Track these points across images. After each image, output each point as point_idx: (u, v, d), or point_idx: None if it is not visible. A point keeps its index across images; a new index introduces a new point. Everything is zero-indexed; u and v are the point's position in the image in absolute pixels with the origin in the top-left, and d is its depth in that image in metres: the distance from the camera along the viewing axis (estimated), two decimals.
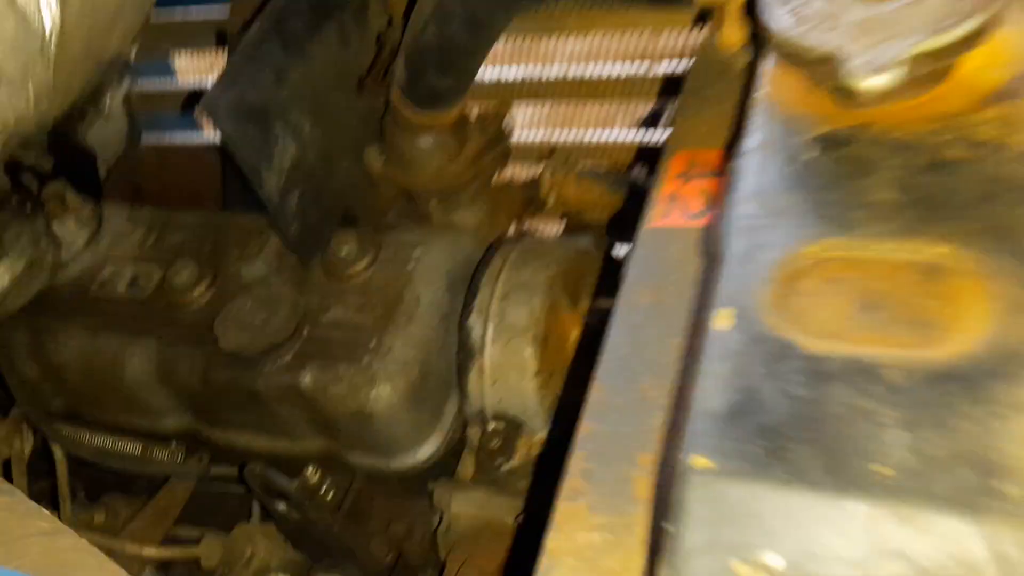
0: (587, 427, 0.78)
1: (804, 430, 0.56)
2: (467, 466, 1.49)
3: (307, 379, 1.46)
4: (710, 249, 0.74)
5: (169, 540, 1.56)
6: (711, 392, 0.60)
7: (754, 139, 0.76)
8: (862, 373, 0.57)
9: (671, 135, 0.99)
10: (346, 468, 1.56)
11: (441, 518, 1.43)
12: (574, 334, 1.51)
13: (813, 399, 0.57)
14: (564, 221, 1.73)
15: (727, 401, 0.59)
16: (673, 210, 0.91)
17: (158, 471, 1.49)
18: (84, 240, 1.77)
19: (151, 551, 1.35)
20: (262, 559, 1.46)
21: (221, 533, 1.50)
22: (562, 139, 2.01)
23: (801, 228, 0.67)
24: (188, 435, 1.66)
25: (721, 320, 0.63)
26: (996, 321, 0.58)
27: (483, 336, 1.45)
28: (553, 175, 1.74)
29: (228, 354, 1.48)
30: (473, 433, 1.49)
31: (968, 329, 0.58)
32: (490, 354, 1.44)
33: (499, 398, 1.45)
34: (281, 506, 1.33)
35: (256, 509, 1.56)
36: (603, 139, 1.97)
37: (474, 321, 1.47)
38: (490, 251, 1.56)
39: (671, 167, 0.95)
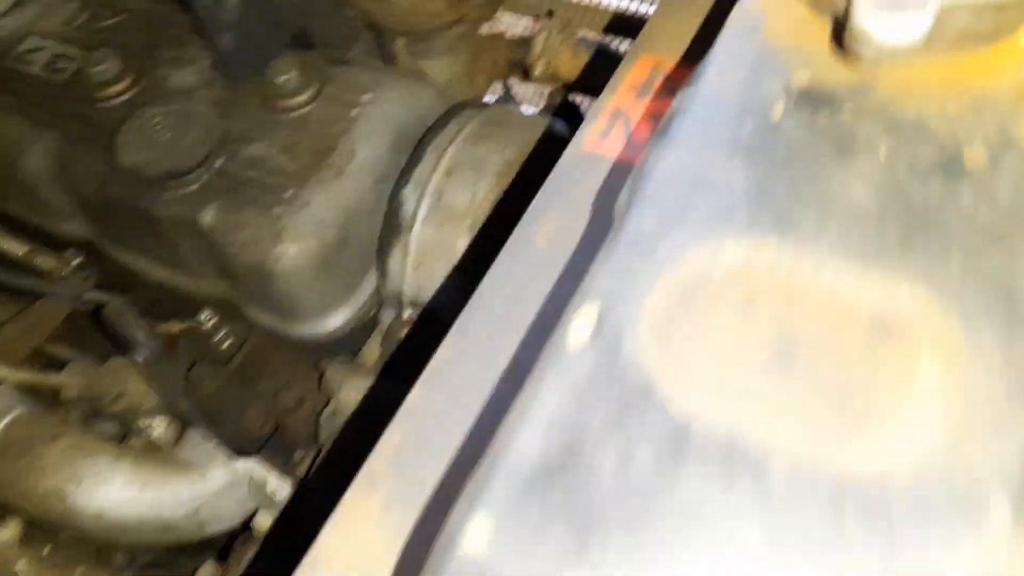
0: (418, 396, 0.60)
1: (632, 523, 0.39)
2: (372, 350, 1.34)
3: (207, 217, 1.28)
4: (615, 209, 0.54)
5: (33, 361, 1.43)
6: (528, 431, 0.42)
7: (714, 69, 0.54)
8: (738, 464, 0.39)
9: (642, 32, 0.77)
10: (244, 321, 1.40)
11: (328, 401, 1.29)
12: None
13: (657, 480, 0.40)
14: (548, 93, 1.50)
15: (544, 451, 0.41)
16: (613, 132, 0.70)
17: (35, 287, 1.34)
18: (7, 2, 1.55)
19: (2, 369, 1.22)
20: (132, 400, 1.33)
21: (93, 363, 1.36)
22: None
23: (731, 217, 0.47)
24: (85, 246, 1.50)
25: (577, 326, 0.45)
26: (950, 424, 0.39)
27: (415, 213, 1.26)
28: (548, 39, 1.49)
29: (127, 169, 1.29)
30: (386, 317, 1.33)
31: (910, 427, 0.40)
32: (418, 235, 1.26)
33: (420, 286, 1.27)
34: (139, 357, 1.19)
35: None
36: (613, 3, 1.70)
37: (408, 193, 1.27)
38: (449, 114, 1.34)
39: (628, 74, 0.73)
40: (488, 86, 1.58)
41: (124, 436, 1.40)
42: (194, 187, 1.30)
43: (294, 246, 1.25)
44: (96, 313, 1.38)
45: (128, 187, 1.32)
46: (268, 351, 1.42)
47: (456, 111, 1.33)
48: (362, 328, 1.37)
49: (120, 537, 1.33)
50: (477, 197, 1.25)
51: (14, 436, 1.33)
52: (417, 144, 1.31)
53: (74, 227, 1.50)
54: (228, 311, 1.41)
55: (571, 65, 1.50)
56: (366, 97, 1.35)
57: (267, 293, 1.32)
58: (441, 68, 1.49)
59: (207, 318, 1.39)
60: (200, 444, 1.37)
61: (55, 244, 1.52)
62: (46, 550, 1.40)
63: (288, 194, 1.27)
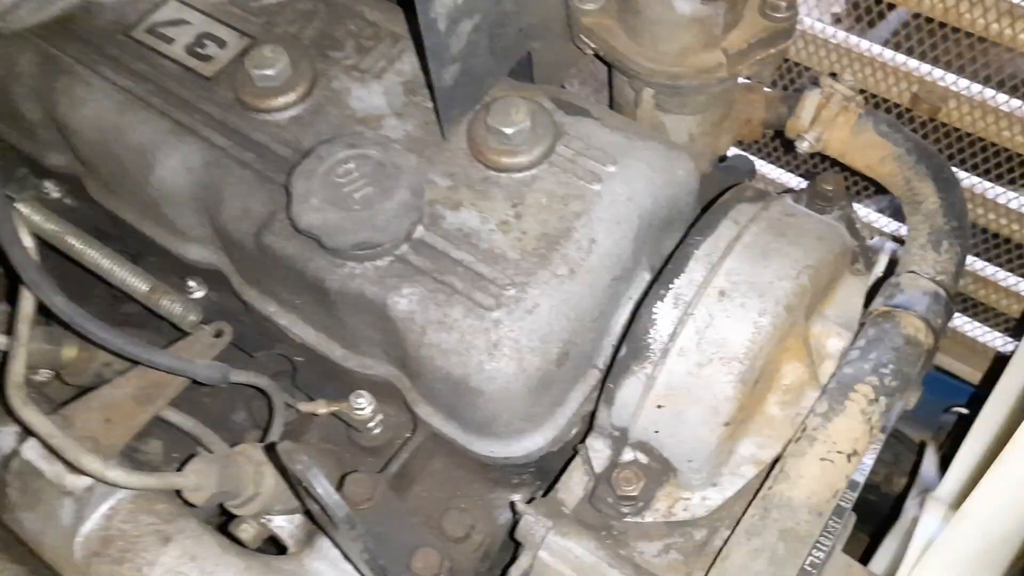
0: None
1: None
2: (572, 486, 1.06)
3: (401, 304, 0.99)
4: None
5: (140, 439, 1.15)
6: None
7: None
8: None
9: None
10: (406, 412, 1.12)
11: (518, 551, 1.01)
12: (793, 371, 1.02)
13: None
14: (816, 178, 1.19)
15: None
16: None
17: (174, 368, 1.04)
18: None
19: (115, 473, 0.94)
20: (266, 500, 1.06)
21: (215, 446, 1.08)
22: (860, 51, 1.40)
23: None
24: (215, 276, 1.21)
25: None
26: None
27: (671, 338, 0.97)
28: (823, 104, 1.18)
29: (303, 228, 0.99)
30: (597, 448, 1.05)
31: None
32: (671, 368, 0.97)
33: (659, 428, 0.99)
34: (314, 507, 0.91)
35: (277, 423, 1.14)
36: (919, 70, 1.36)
37: (665, 312, 0.98)
38: (722, 209, 1.03)
39: None
40: (730, 145, 1.26)
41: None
42: (386, 262, 1.01)
43: (513, 365, 0.97)
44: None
45: (298, 247, 1.03)
46: (431, 455, 1.14)
47: (730, 204, 1.03)
48: (557, 452, 1.09)
49: None
50: (761, 335, 0.95)
51: (114, 531, 1.06)
52: (681, 242, 1.01)
53: (203, 254, 1.20)
54: (387, 394, 1.13)
55: (850, 143, 1.18)
56: (611, 169, 1.05)
57: (459, 405, 1.03)
58: (687, 125, 1.17)
59: (364, 404, 1.11)
60: (333, 550, 1.10)
61: (174, 263, 1.23)
62: None
63: (510, 293, 0.98)
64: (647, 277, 1.09)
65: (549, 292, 0.98)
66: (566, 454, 1.11)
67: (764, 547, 0.92)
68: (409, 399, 1.10)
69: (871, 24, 1.44)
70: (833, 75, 1.18)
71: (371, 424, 1.14)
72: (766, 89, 1.23)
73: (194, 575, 1.04)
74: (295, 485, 0.89)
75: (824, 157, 1.26)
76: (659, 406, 0.98)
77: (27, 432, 1.10)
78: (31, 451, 1.08)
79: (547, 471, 1.12)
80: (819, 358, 1.07)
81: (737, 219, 1.01)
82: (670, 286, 0.99)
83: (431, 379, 1.02)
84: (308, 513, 1.12)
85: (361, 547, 0.85)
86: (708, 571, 0.94)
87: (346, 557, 1.05)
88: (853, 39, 1.41)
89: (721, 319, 0.96)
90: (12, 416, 1.00)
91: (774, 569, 0.91)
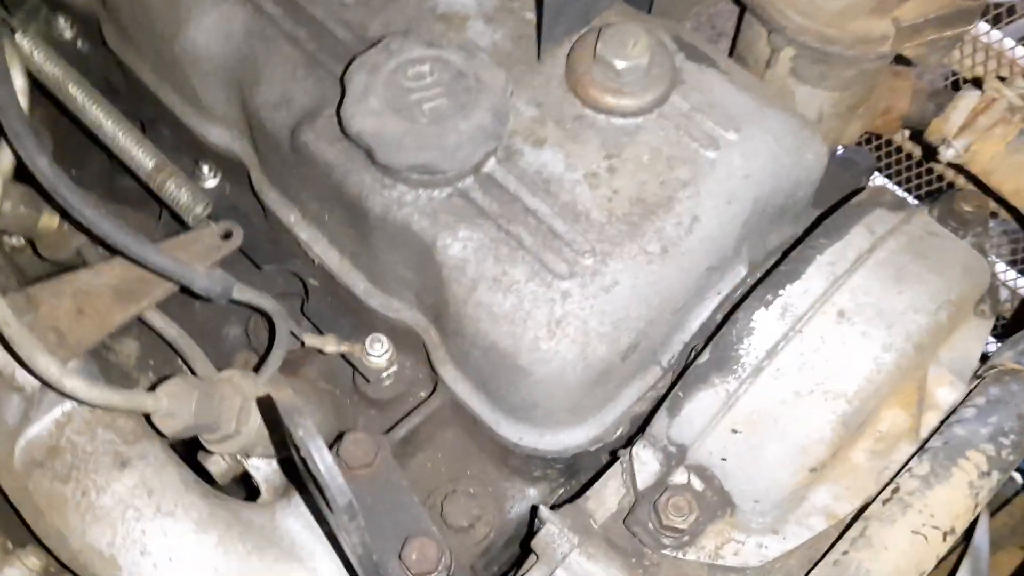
0: None
1: None
2: (605, 497, 0.89)
3: (454, 250, 0.81)
4: None
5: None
6: None
7: None
8: None
9: None
10: (431, 371, 0.95)
11: (527, 555, 0.85)
12: (893, 417, 0.85)
13: None
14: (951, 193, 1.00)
15: None
16: None
17: (173, 273, 0.85)
18: None
19: (72, 382, 0.76)
20: (245, 440, 0.90)
21: (199, 365, 0.91)
22: None
23: None
24: (233, 166, 1.03)
25: None
26: None
27: (768, 355, 0.80)
28: (982, 110, 0.99)
29: (353, 133, 0.81)
30: (645, 461, 0.88)
31: None
32: (761, 390, 0.80)
33: (728, 456, 0.82)
34: (306, 477, 0.74)
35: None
36: None
37: (766, 322, 0.80)
38: (855, 212, 0.85)
39: None
40: (857, 136, 1.07)
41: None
42: (445, 194, 0.82)
43: (575, 349, 0.79)
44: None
45: (342, 154, 0.84)
46: (446, 424, 0.97)
47: (866, 208, 0.84)
48: (594, 454, 0.93)
49: None
50: (879, 373, 0.78)
51: (64, 443, 0.89)
52: (798, 244, 0.83)
53: (225, 138, 1.02)
54: (408, 344, 0.96)
55: (998, 162, 1.00)
56: (731, 136, 0.86)
57: (496, 380, 0.86)
58: (820, 101, 0.98)
59: (381, 350, 0.94)
60: (305, 517, 0.94)
61: (189, 141, 1.04)
62: None
63: (587, 262, 0.80)
64: (743, 272, 0.91)
65: (633, 270, 0.81)
66: (602, 456, 0.95)
67: None
68: (434, 357, 0.93)
69: None
70: (1002, 79, 0.99)
71: (384, 375, 0.98)
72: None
73: (148, 512, 0.88)
74: (288, 447, 0.72)
75: None
76: (734, 431, 0.82)
77: None
78: None
79: (576, 470, 0.96)
80: (923, 407, 0.90)
81: (872, 228, 0.83)
82: (780, 293, 0.81)
83: (470, 343, 0.85)
84: (286, 462, 0.96)
85: (356, 540, 0.69)
86: None
87: (327, 534, 0.89)
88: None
89: (835, 345, 0.79)
90: None
91: None
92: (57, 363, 0.76)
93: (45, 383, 0.76)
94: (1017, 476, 1.61)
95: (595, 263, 0.80)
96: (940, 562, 0.96)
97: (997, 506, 1.51)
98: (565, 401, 0.85)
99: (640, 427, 0.91)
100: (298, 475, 1.02)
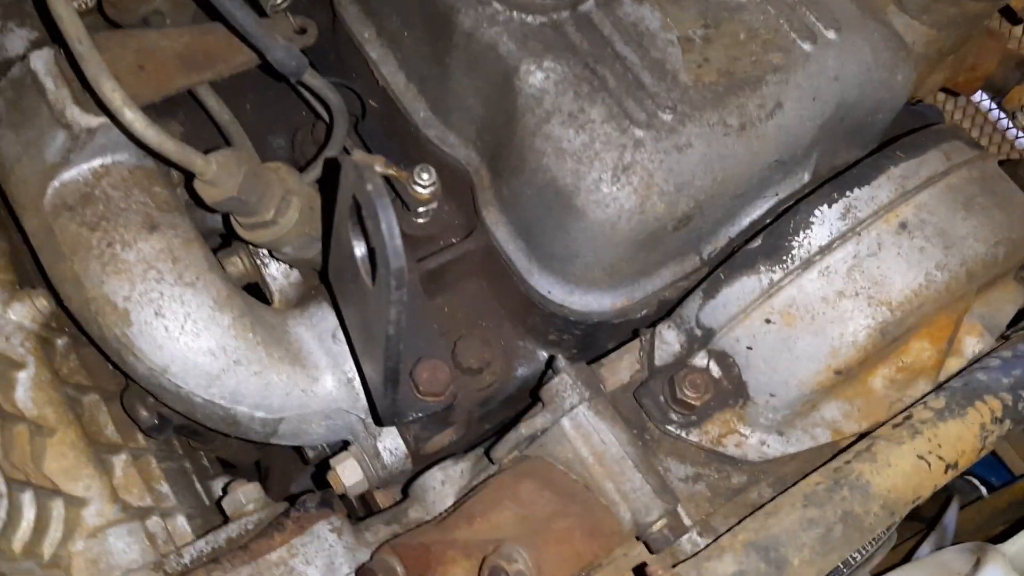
0: None
1: None
2: (619, 369, 0.89)
3: (535, 78, 0.80)
4: None
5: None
6: None
7: None
8: None
9: None
10: (472, 216, 0.94)
11: (527, 410, 0.85)
12: (920, 351, 0.85)
13: None
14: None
15: None
16: None
17: (252, 33, 0.83)
18: None
19: (133, 113, 0.74)
20: (281, 229, 0.88)
21: (246, 151, 0.90)
22: None
23: None
24: None
25: None
26: None
27: (821, 252, 0.79)
28: None
29: None
30: (667, 341, 0.88)
31: None
32: (806, 284, 0.80)
33: (755, 345, 0.82)
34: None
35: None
36: None
37: (827, 218, 0.80)
38: (933, 137, 0.85)
39: None
40: (935, 89, 1.07)
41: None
42: (538, 22, 0.81)
43: (635, 199, 0.79)
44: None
45: None
46: (473, 271, 0.96)
47: (946, 136, 0.84)
48: (612, 327, 0.93)
49: (168, 400, 0.91)
50: (924, 290, 0.78)
51: (99, 193, 0.88)
52: (875, 153, 0.83)
53: None
54: (453, 184, 0.95)
55: None
56: (830, 35, 0.85)
57: (543, 223, 0.86)
58: (914, 36, 0.97)
59: (428, 180, 0.93)
60: (323, 323, 0.94)
61: None
62: (62, 341, 0.98)
63: (665, 117, 0.79)
64: (805, 179, 0.91)
65: (709, 138, 0.80)
66: (620, 335, 0.94)
67: (820, 521, 0.76)
68: (480, 199, 0.92)
69: None
70: None
71: (422, 208, 0.96)
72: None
73: (169, 277, 0.87)
74: (343, 215, 0.71)
75: None
76: (768, 320, 0.81)
77: (49, 37, 0.92)
78: (40, 62, 0.88)
79: (591, 342, 0.95)
80: (950, 350, 0.90)
81: (950, 155, 0.83)
82: (847, 193, 0.81)
83: (526, 180, 0.84)
84: (322, 272, 0.95)
85: (393, 316, 0.68)
86: (745, 518, 0.78)
87: (346, 335, 0.88)
88: None
89: (890, 253, 0.79)
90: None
91: (822, 548, 0.76)
92: (122, 92, 0.75)
93: (109, 107, 0.74)
94: (983, 488, 1.64)
95: (673, 120, 0.79)
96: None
97: (966, 502, 1.54)
98: (606, 256, 0.85)
99: (666, 313, 0.91)
100: (319, 281, 1.01)
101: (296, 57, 0.86)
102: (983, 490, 1.62)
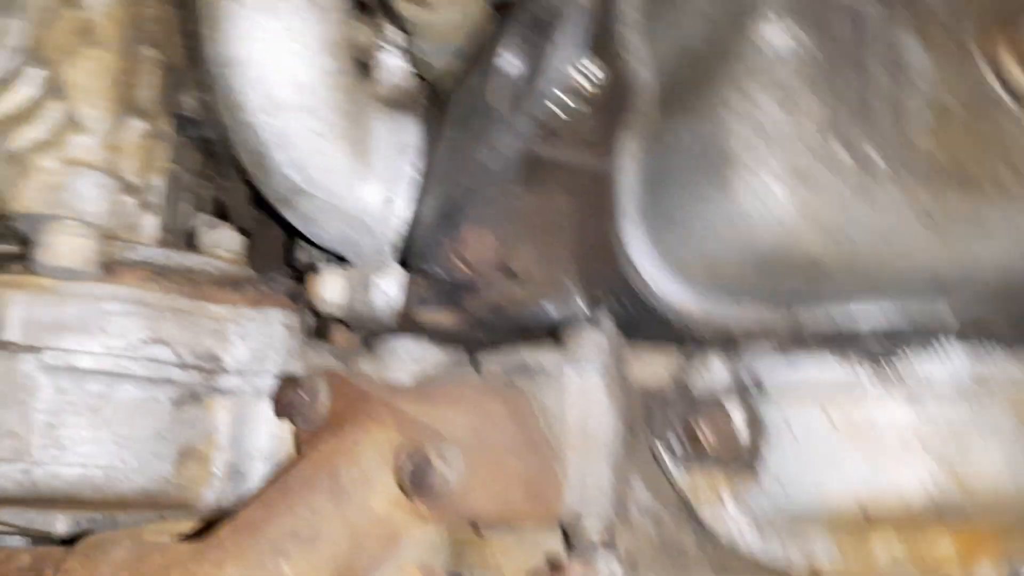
0: None
1: None
2: (649, 364, 0.80)
3: (771, 34, 0.70)
4: None
5: None
6: None
7: None
8: None
9: None
10: (614, 128, 0.84)
11: None
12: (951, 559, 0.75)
13: None
14: None
15: None
16: None
17: None
18: None
19: None
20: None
21: None
22: None
23: None
24: None
25: None
26: None
27: (919, 386, 0.69)
28: None
29: None
30: (711, 368, 0.78)
31: None
32: (882, 409, 0.70)
33: (796, 428, 0.72)
34: None
35: None
36: None
37: (943, 353, 0.70)
38: None
39: None
40: None
41: None
42: None
43: (791, 213, 0.68)
44: None
45: None
46: (581, 184, 0.86)
47: None
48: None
49: (215, 102, 0.82)
50: (1002, 488, 0.68)
51: None
52: None
53: None
54: (616, 92, 0.85)
55: None
56: None
57: (681, 180, 0.75)
58: None
59: (597, 77, 0.82)
60: (404, 136, 0.84)
61: None
62: None
63: (878, 162, 0.69)
64: (945, 315, 0.80)
65: (904, 214, 0.69)
66: (661, 335, 0.84)
67: None
68: (630, 122, 0.82)
69: None
70: None
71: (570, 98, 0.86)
72: None
73: None
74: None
75: None
76: (829, 416, 0.71)
77: None
78: None
79: (635, 326, 0.85)
80: None
81: None
82: (986, 348, 0.70)
83: (695, 124, 0.74)
84: (438, 88, 0.85)
85: (506, 142, 0.58)
86: None
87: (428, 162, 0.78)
88: None
89: (996, 435, 0.68)
90: None
91: None
92: None
93: None
94: None
95: (883, 171, 0.69)
96: None
97: None
98: (719, 250, 0.74)
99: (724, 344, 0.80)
100: (424, 98, 0.92)
101: None
102: None
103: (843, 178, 0.67)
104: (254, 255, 1.17)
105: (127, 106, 0.81)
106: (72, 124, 0.71)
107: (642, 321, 0.84)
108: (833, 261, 0.71)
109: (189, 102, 0.86)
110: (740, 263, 0.74)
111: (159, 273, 0.77)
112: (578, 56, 0.82)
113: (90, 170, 0.72)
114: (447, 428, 0.66)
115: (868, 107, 0.70)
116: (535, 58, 0.55)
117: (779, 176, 0.67)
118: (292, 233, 0.96)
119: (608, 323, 0.74)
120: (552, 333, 0.80)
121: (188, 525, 0.83)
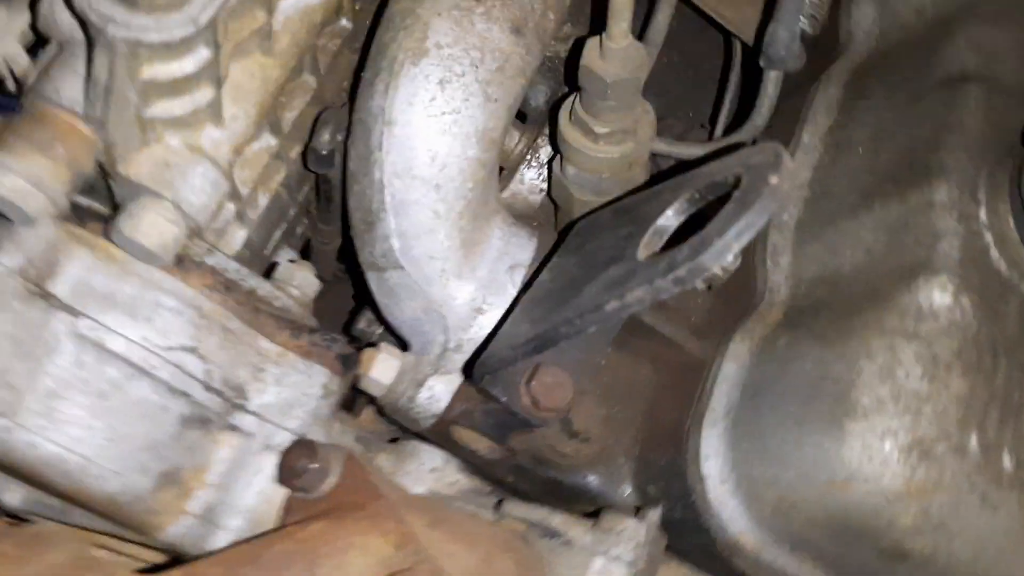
0: None
1: None
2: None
3: (935, 296, 0.65)
4: None
5: None
6: None
7: None
8: None
9: None
10: (724, 321, 0.79)
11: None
12: None
13: None
14: None
15: None
16: None
17: None
18: None
19: None
20: None
21: None
22: None
23: None
24: None
25: None
26: None
27: None
28: None
29: None
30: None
31: None
32: None
33: None
34: None
35: None
36: None
37: None
38: None
39: None
40: None
41: None
42: (994, 271, 0.66)
43: (898, 486, 0.61)
44: None
45: None
46: (670, 362, 0.81)
47: None
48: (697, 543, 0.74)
49: (352, 147, 0.80)
50: None
51: None
52: None
53: None
54: (740, 291, 0.80)
55: None
56: None
57: (785, 404, 0.69)
58: None
59: (733, 263, 0.78)
60: (516, 250, 0.81)
61: None
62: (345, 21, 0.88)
63: (1007, 464, 0.62)
64: None
65: (1013, 530, 0.62)
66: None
67: None
68: (742, 325, 0.77)
69: None
70: None
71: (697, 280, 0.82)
72: None
73: (481, 74, 0.76)
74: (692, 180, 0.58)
75: None
76: None
77: None
78: None
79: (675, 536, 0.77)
80: None
81: None
82: None
83: (820, 354, 0.68)
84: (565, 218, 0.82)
85: (634, 297, 0.53)
86: None
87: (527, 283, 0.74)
88: None
89: None
90: None
91: None
92: None
93: None
94: None
95: (1008, 475, 0.62)
96: None
97: None
98: (805, 499, 0.67)
99: None
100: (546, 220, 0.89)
101: (795, 50, 0.74)
102: None
103: (967, 471, 0.60)
104: (319, 305, 1.14)
105: (269, 120, 0.79)
106: (213, 115, 0.69)
107: (686, 528, 0.77)
108: (921, 556, 0.63)
109: (325, 139, 0.84)
110: (820, 519, 0.66)
111: (225, 286, 0.73)
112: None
113: (210, 164, 0.69)
114: (450, 565, 0.59)
115: (1012, 403, 0.64)
116: (703, 231, 0.51)
117: (901, 445, 0.60)
118: (363, 300, 0.92)
119: (654, 521, 0.67)
120: (588, 502, 0.73)
121: (137, 549, 0.76)
